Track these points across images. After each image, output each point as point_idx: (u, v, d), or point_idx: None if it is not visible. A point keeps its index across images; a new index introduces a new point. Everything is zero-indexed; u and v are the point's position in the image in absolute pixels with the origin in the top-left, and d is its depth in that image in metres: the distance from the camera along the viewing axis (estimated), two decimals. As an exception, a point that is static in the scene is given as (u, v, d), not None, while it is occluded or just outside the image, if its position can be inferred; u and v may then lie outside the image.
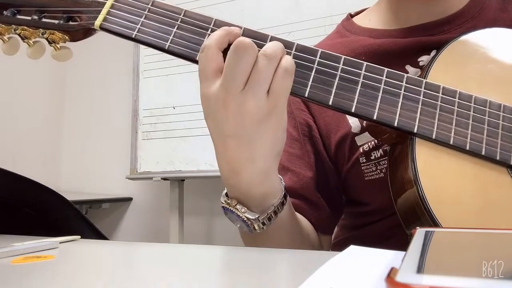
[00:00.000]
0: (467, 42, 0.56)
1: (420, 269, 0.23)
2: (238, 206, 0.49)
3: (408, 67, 0.63)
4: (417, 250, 0.27)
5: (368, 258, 0.33)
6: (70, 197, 0.64)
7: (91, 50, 1.98)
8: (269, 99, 0.44)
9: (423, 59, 0.63)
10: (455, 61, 0.55)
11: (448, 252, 0.30)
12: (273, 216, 0.50)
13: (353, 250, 0.35)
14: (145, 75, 1.99)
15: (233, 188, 0.49)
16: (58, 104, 2.41)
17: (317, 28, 1.62)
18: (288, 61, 0.45)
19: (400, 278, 0.21)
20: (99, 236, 0.62)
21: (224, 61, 0.44)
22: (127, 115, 2.07)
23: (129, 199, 2.25)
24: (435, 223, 0.44)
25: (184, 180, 1.99)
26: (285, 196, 0.52)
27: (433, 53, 0.58)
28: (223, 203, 0.50)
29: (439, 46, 0.56)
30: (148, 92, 1.99)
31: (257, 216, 0.49)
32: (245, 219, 0.49)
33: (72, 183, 2.33)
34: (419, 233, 0.33)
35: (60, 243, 0.49)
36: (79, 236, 0.53)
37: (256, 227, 0.50)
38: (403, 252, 0.28)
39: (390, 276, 0.22)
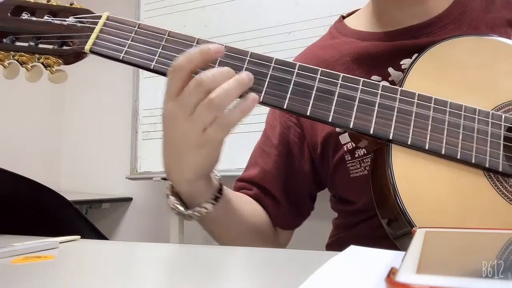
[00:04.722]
0: (445, 48, 0.57)
1: (420, 269, 0.23)
2: (168, 198, 0.57)
3: (390, 70, 0.64)
4: (417, 250, 0.27)
5: (368, 258, 0.33)
6: (70, 197, 0.64)
7: (91, 50, 1.98)
8: (204, 135, 0.48)
9: (405, 62, 0.64)
10: (433, 67, 0.55)
11: (448, 252, 0.30)
12: (202, 213, 0.56)
13: (353, 250, 0.35)
14: (145, 75, 1.98)
15: (169, 178, 0.56)
16: (58, 104, 2.41)
17: (317, 28, 1.61)
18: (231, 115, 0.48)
19: (400, 278, 0.21)
20: (99, 236, 0.62)
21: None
22: (127, 115, 2.07)
23: (129, 199, 2.24)
24: (412, 227, 0.44)
25: (184, 180, 2.00)
26: (215, 199, 0.57)
27: (414, 56, 0.59)
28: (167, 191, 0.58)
29: (421, 49, 0.57)
30: (148, 92, 1.99)
31: (183, 210, 0.56)
32: (175, 209, 0.56)
33: (72, 183, 2.33)
34: (419, 233, 0.33)
35: (60, 243, 0.49)
36: (79, 236, 0.53)
37: (187, 218, 0.57)
38: (403, 252, 0.28)
39: (390, 276, 0.22)
